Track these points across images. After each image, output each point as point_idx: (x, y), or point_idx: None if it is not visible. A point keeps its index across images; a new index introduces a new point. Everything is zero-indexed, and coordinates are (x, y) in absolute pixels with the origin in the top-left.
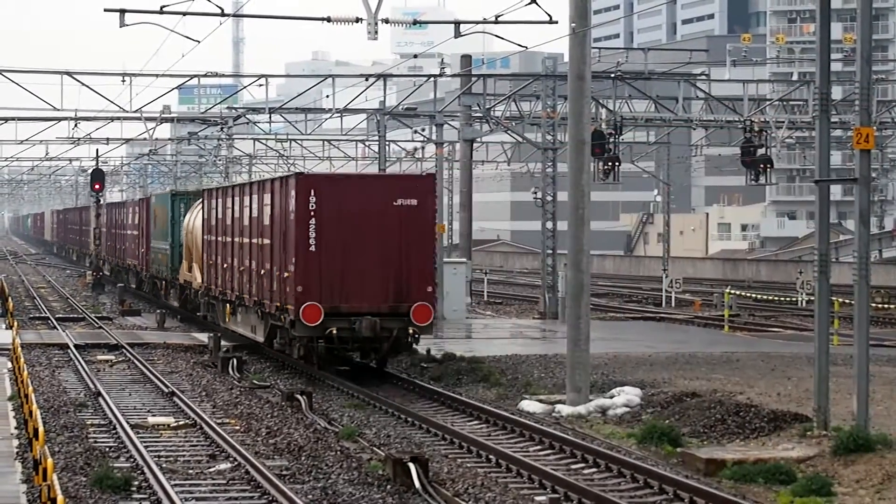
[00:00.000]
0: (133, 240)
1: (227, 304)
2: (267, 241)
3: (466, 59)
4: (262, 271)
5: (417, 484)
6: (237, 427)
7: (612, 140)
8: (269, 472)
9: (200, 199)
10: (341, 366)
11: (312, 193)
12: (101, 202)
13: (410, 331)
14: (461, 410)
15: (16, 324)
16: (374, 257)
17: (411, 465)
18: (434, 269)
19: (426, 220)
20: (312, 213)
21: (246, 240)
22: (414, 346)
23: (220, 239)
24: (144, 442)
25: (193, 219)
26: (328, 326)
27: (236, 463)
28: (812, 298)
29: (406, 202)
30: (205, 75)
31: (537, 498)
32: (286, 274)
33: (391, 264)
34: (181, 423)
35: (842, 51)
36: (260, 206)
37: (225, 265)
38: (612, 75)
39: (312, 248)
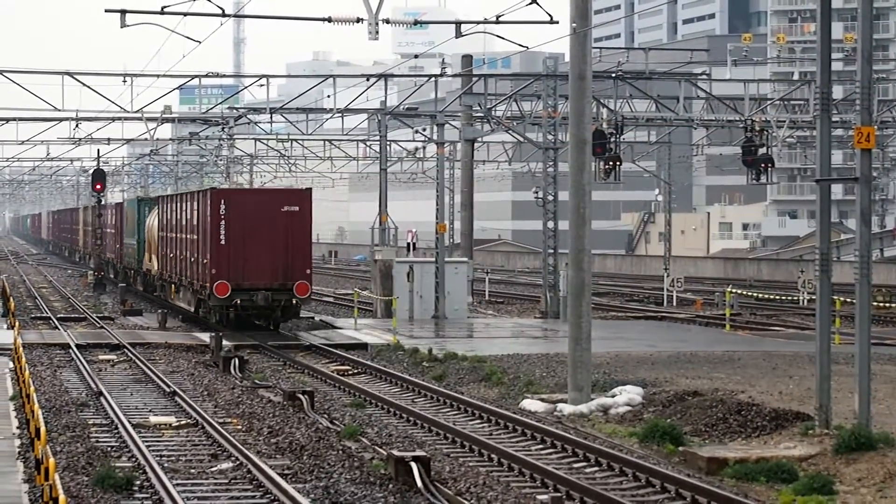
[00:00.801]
0: (111, 237)
1: (173, 285)
2: (196, 237)
3: (467, 59)
4: (192, 259)
5: (419, 483)
6: (239, 426)
7: (613, 139)
8: (271, 472)
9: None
10: (246, 329)
11: (223, 203)
12: (103, 202)
13: (294, 302)
14: (463, 409)
15: (17, 324)
16: (267, 248)
17: (413, 465)
18: (311, 257)
19: (305, 221)
20: (223, 217)
21: (183, 236)
22: (298, 313)
23: (168, 235)
24: (146, 441)
25: (152, 220)
26: (234, 298)
27: (238, 462)
28: (813, 297)
29: (290, 208)
30: (206, 75)
31: (539, 497)
32: (205, 260)
33: (279, 253)
34: (183, 422)
35: (842, 50)
36: (191, 211)
37: (171, 255)
38: (613, 75)
39: (223, 242)
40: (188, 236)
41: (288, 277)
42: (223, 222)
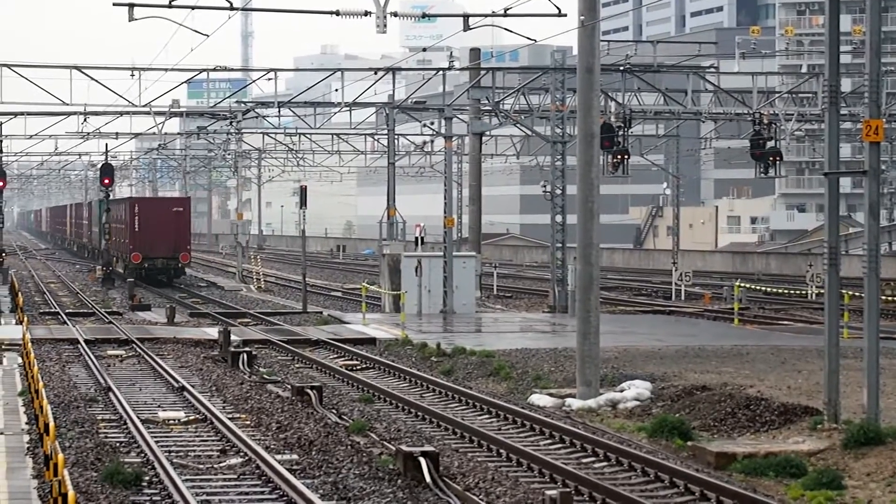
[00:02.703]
0: (86, 227)
1: (114, 257)
2: (123, 226)
3: (475, 53)
4: (122, 240)
5: (428, 478)
6: (248, 422)
7: (621, 133)
8: (279, 467)
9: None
10: (152, 283)
11: (136, 206)
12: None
13: (180, 265)
14: (471, 404)
15: (26, 319)
16: (163, 233)
17: (422, 460)
18: (190, 239)
19: (187, 217)
20: (136, 214)
21: (118, 226)
22: (184, 272)
23: (112, 226)
24: (155, 437)
25: (106, 214)
26: (144, 263)
27: (247, 458)
28: (822, 291)
29: (177, 209)
30: (214, 69)
31: (548, 492)
32: (127, 241)
33: (170, 236)
34: (192, 417)
35: (851, 43)
36: (122, 211)
37: (113, 239)
38: (621, 68)
39: (137, 230)
40: (120, 226)
41: (176, 251)
42: (137, 218)
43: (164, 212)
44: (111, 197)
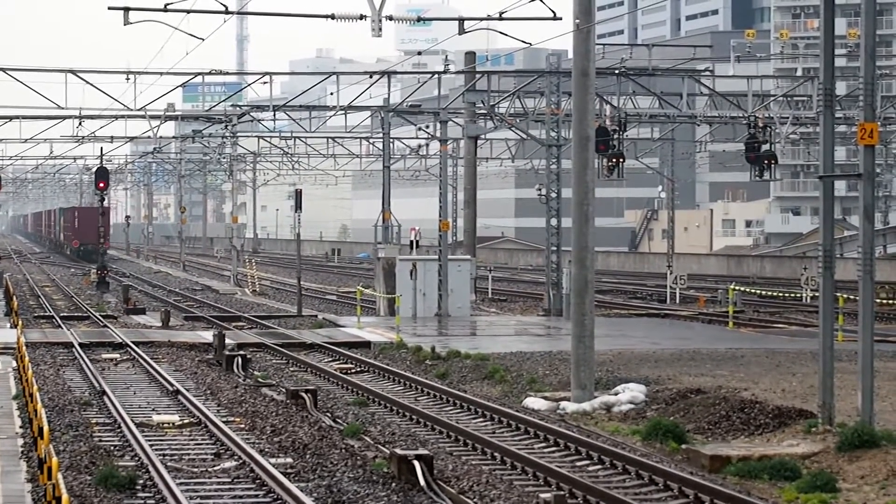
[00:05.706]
0: (53, 226)
1: (64, 245)
2: (69, 224)
3: (470, 56)
4: (68, 233)
5: (422, 482)
6: (242, 425)
7: (616, 136)
8: (274, 470)
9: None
10: (86, 260)
11: (76, 212)
12: (106, 200)
13: (102, 249)
14: (466, 408)
15: (20, 322)
16: (91, 228)
17: (416, 463)
18: (109, 232)
19: (106, 219)
20: (76, 217)
21: (66, 223)
22: (105, 253)
23: (63, 223)
24: (149, 440)
25: (62, 216)
26: (81, 247)
27: (241, 461)
28: (816, 294)
29: (101, 214)
30: (209, 73)
31: (542, 495)
32: (71, 234)
33: (95, 231)
34: (186, 421)
35: (846, 46)
36: (69, 214)
37: (65, 233)
38: (617, 71)
39: (76, 226)
40: (68, 224)
41: (99, 239)
42: (76, 219)
43: (93, 215)
44: (105, 202)
